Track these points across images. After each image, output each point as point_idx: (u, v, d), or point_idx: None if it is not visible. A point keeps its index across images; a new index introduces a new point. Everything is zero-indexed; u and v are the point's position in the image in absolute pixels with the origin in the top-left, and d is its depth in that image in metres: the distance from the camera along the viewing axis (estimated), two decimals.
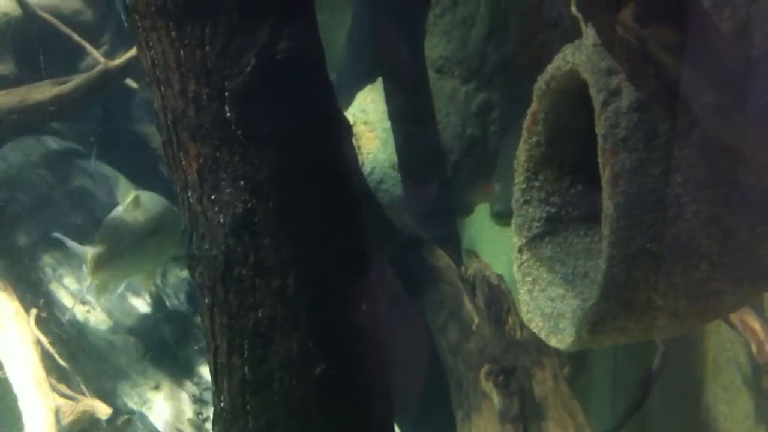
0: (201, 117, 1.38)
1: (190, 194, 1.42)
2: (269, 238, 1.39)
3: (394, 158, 3.32)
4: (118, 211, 2.87)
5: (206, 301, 1.44)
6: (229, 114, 1.37)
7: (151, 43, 1.39)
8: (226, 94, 1.37)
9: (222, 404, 1.46)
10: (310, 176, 1.43)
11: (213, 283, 1.42)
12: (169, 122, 1.42)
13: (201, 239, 1.42)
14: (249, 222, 1.39)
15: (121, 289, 2.95)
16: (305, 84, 1.43)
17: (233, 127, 1.38)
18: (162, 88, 1.41)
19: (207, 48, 1.36)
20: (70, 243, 2.85)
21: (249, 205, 1.39)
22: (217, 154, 1.39)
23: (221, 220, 1.40)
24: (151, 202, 2.85)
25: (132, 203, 2.82)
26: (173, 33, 1.37)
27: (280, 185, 1.40)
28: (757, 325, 2.51)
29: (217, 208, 1.40)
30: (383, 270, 2.79)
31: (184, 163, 1.42)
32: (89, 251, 2.75)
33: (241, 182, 1.38)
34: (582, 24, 2.01)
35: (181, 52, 1.37)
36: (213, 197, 1.40)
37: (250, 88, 1.37)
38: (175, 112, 1.40)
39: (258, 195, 1.39)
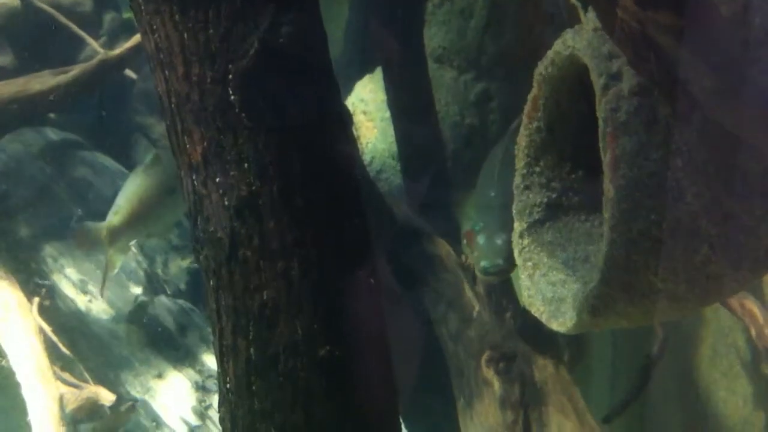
0: (205, 100, 1.39)
1: (194, 177, 1.43)
2: (274, 221, 1.40)
3: (394, 148, 3.33)
4: (137, 171, 2.93)
5: (211, 283, 1.45)
6: (233, 97, 1.38)
7: (154, 27, 1.40)
8: (230, 77, 1.38)
9: (228, 386, 1.47)
10: (313, 159, 1.43)
11: (218, 266, 1.43)
12: (173, 106, 1.42)
13: (206, 222, 1.43)
14: (253, 204, 1.40)
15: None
16: (308, 68, 1.44)
17: (237, 111, 1.38)
18: (166, 72, 1.41)
19: (211, 31, 1.37)
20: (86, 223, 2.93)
21: (253, 187, 1.39)
22: (222, 137, 1.40)
23: (226, 203, 1.40)
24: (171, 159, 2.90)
25: (152, 161, 2.87)
26: (177, 16, 1.37)
27: (284, 168, 1.40)
28: (756, 310, 2.52)
29: (221, 191, 1.41)
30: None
31: (188, 146, 1.42)
32: (104, 227, 2.85)
33: (246, 165, 1.39)
34: (581, 12, 2.02)
35: (185, 36, 1.38)
36: (218, 180, 1.41)
37: (254, 72, 1.38)
38: (179, 95, 1.41)
39: (262, 178, 1.39)
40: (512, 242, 2.27)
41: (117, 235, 2.89)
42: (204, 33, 1.37)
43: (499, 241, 2.36)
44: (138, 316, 3.03)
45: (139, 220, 2.91)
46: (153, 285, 3.13)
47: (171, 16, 1.38)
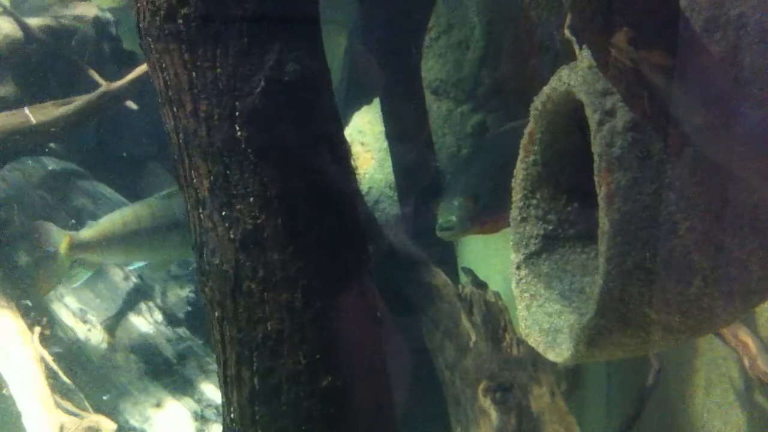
0: (212, 136, 1.43)
1: (200, 211, 1.46)
2: (278, 254, 1.43)
3: (391, 178, 3.37)
4: (147, 199, 2.91)
5: (216, 314, 1.48)
6: (239, 133, 1.42)
7: (164, 65, 1.44)
8: (237, 114, 1.41)
9: (231, 415, 1.49)
10: (316, 193, 1.47)
11: (223, 297, 1.46)
12: (181, 141, 1.46)
13: (211, 254, 1.46)
14: (258, 238, 1.43)
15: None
16: (312, 104, 1.48)
17: (243, 146, 1.42)
18: (174, 109, 1.45)
19: (218, 69, 1.41)
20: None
21: (258, 221, 1.43)
22: (228, 171, 1.43)
23: (231, 236, 1.44)
24: None
25: (166, 195, 2.86)
26: (185, 55, 1.41)
27: (288, 202, 1.44)
28: (749, 340, 2.54)
29: (227, 224, 1.44)
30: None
31: (195, 180, 1.46)
32: (67, 235, 2.83)
33: (251, 199, 1.43)
34: (575, 47, 2.06)
35: (194, 74, 1.42)
36: (223, 213, 1.44)
37: (260, 108, 1.41)
38: (186, 131, 1.44)
39: (267, 211, 1.43)
40: (474, 208, 2.39)
41: (80, 248, 2.84)
42: (212, 71, 1.41)
43: (455, 202, 2.52)
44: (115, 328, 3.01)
45: (115, 242, 2.85)
46: (151, 313, 3.14)
47: (180, 55, 1.42)
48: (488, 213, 2.49)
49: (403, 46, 3.30)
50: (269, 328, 1.43)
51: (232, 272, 1.44)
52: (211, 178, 1.44)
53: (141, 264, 3.05)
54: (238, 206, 1.43)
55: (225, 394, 1.50)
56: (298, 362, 1.43)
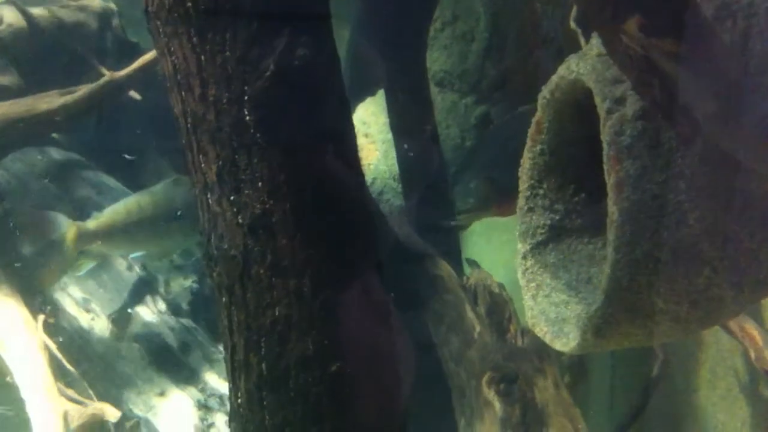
0: (221, 121, 1.42)
1: (209, 196, 1.46)
2: (286, 239, 1.43)
3: (395, 169, 3.36)
4: (148, 189, 2.91)
5: (224, 300, 1.47)
6: (248, 118, 1.41)
7: (172, 49, 1.43)
8: (246, 98, 1.41)
9: (239, 401, 1.49)
10: (325, 179, 1.46)
11: (231, 283, 1.46)
12: (189, 126, 1.45)
13: (220, 239, 1.46)
14: (267, 223, 1.43)
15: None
16: (322, 90, 1.47)
17: (252, 131, 1.41)
18: (183, 93, 1.44)
19: (227, 54, 1.40)
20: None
21: (267, 206, 1.42)
22: (236, 156, 1.43)
23: (240, 221, 1.43)
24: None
25: (168, 184, 2.86)
26: (195, 39, 1.41)
27: (297, 187, 1.43)
28: (756, 333, 2.54)
29: (235, 209, 1.43)
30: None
31: (203, 165, 1.45)
32: (74, 225, 2.81)
33: (259, 184, 1.42)
34: (581, 38, 2.06)
35: (202, 58, 1.41)
36: (232, 198, 1.43)
37: (269, 93, 1.41)
38: (195, 116, 1.44)
39: (275, 196, 1.42)
40: (490, 190, 2.45)
41: (86, 239, 2.83)
42: (221, 55, 1.40)
43: (472, 185, 2.62)
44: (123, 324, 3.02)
45: (119, 233, 2.85)
46: (155, 303, 3.14)
47: (189, 39, 1.41)
48: (505, 194, 2.52)
49: (408, 38, 3.29)
50: (277, 314, 1.43)
51: (240, 257, 1.44)
52: (220, 162, 1.43)
53: (141, 253, 3.05)
54: (246, 191, 1.42)
55: (232, 380, 1.50)
56: (306, 348, 1.43)
